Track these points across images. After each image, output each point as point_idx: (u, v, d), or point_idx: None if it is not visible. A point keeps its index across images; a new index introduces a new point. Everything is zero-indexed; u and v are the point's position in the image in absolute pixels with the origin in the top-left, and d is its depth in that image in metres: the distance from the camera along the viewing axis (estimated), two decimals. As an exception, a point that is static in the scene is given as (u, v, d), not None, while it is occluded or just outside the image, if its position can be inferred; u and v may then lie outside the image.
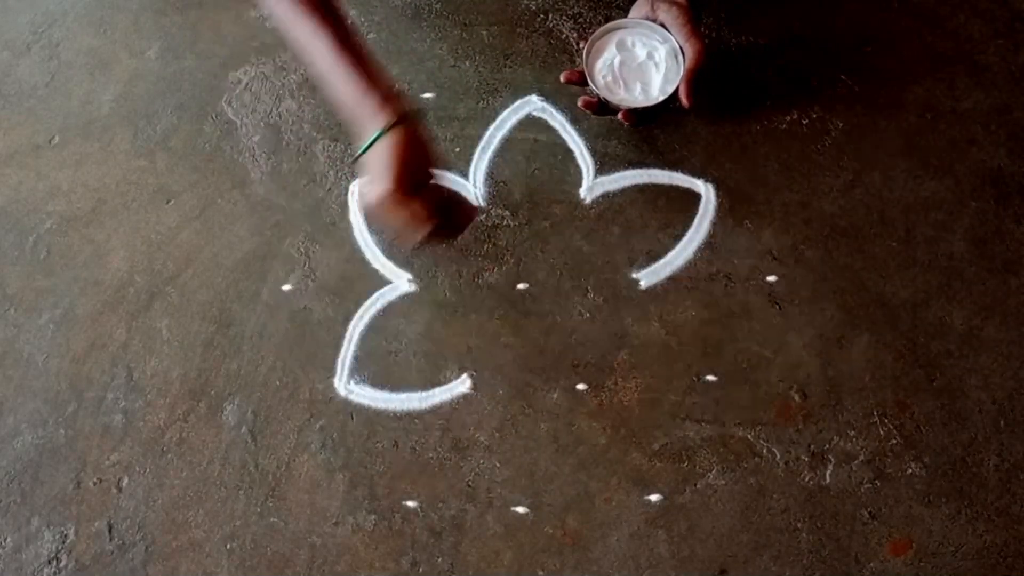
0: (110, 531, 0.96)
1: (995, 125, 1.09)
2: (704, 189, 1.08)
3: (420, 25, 1.20)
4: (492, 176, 1.10)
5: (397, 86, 0.88)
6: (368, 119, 0.86)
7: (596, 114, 1.02)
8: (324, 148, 1.13)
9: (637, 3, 1.02)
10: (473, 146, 1.12)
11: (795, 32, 1.16)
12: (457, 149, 1.12)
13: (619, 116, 1.01)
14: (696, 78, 0.98)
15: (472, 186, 1.10)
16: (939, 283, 1.02)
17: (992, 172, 1.07)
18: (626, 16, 1.03)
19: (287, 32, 0.88)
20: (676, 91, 0.98)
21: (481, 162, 1.11)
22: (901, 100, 1.11)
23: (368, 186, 0.86)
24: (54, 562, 0.95)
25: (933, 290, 1.01)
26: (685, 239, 1.05)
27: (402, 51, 1.18)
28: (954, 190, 1.06)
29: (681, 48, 0.99)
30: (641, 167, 1.09)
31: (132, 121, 1.17)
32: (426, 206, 0.86)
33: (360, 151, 0.86)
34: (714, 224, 1.06)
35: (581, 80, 1.01)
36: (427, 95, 1.15)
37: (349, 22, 0.88)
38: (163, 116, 1.17)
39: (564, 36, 1.18)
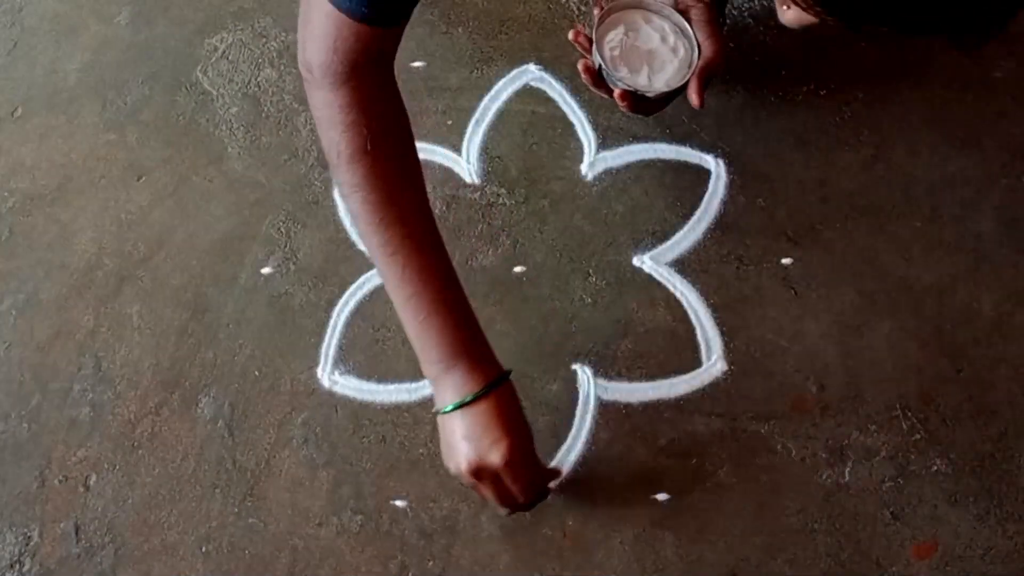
0: (77, 532, 0.92)
1: (1026, 96, 1.04)
2: (714, 165, 1.03)
3: (409, -12, 1.14)
4: (487, 151, 1.05)
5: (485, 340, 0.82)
6: (462, 375, 0.78)
7: (592, 86, 0.95)
8: (306, 121, 1.08)
9: None
10: (466, 119, 1.07)
11: (812, -4, 1.10)
12: (449, 122, 1.07)
13: (615, 94, 0.93)
14: (708, 78, 0.92)
15: (465, 161, 1.05)
16: (966, 266, 0.97)
17: (1023, 146, 1.02)
18: None
19: (378, 264, 0.79)
20: (682, 87, 0.92)
21: (475, 136, 1.06)
22: (926, 69, 1.07)
23: (468, 453, 0.78)
24: (17, 566, 0.91)
25: (960, 273, 0.97)
26: (694, 219, 1.01)
27: (390, 16, 1.12)
28: (982, 166, 1.02)
29: (699, 44, 0.93)
30: (647, 141, 1.05)
31: (100, 92, 1.12)
32: (528, 486, 0.81)
33: (448, 408, 0.78)
34: (725, 203, 1.01)
35: (588, 44, 0.94)
36: (416, 64, 1.10)
37: (449, 262, 0.80)
38: (134, 87, 1.12)
39: (564, 0, 1.12)
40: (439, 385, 0.80)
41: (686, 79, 0.91)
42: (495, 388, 0.78)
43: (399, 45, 0.75)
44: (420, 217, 0.79)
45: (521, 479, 0.79)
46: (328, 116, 0.74)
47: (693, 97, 0.90)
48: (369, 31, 0.70)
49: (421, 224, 0.79)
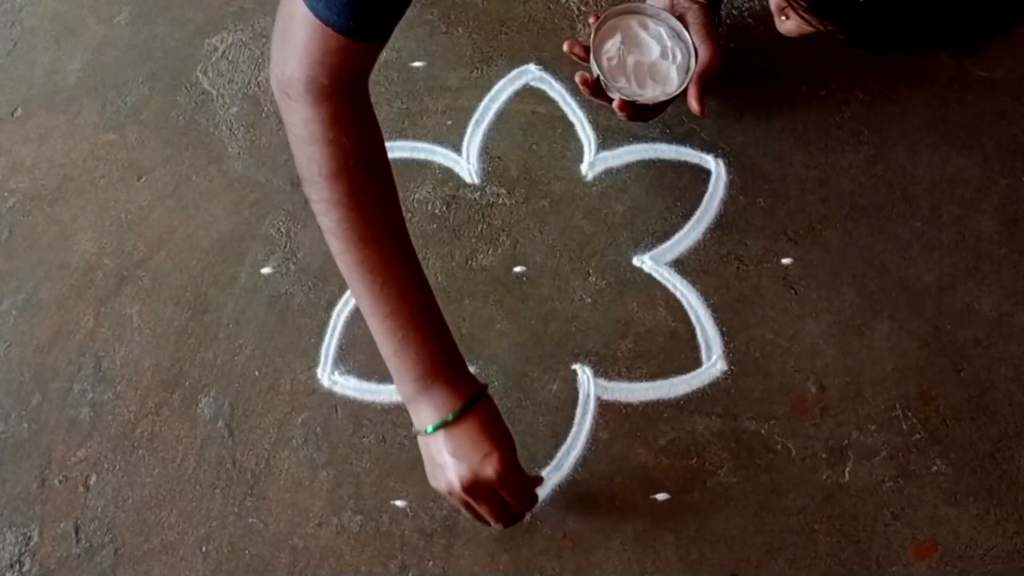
0: (77, 532, 0.91)
1: (1027, 96, 1.03)
2: (714, 165, 1.02)
3: (409, -12, 1.13)
4: (487, 151, 1.04)
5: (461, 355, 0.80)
6: (443, 394, 0.76)
7: (591, 95, 0.95)
8: (306, 121, 1.06)
9: None
10: (466, 119, 1.06)
11: (812, -4, 1.09)
12: (449, 122, 1.06)
13: (614, 104, 0.93)
14: (707, 83, 0.92)
15: (466, 161, 1.04)
16: (966, 266, 0.96)
17: (1023, 146, 1.01)
18: None
19: (354, 283, 0.77)
20: (681, 93, 0.92)
21: (475, 136, 1.05)
22: (926, 69, 1.05)
23: (459, 469, 0.76)
24: (16, 566, 0.90)
25: (960, 273, 0.96)
26: (694, 219, 1.00)
27: (390, 16, 1.11)
28: (983, 166, 1.00)
29: (696, 49, 0.93)
30: (647, 141, 1.04)
31: (100, 92, 1.11)
32: (524, 496, 0.81)
33: (430, 428, 0.77)
34: (725, 203, 1.00)
35: (584, 55, 0.94)
36: (417, 64, 1.09)
37: (426, 280, 0.78)
38: (134, 87, 1.11)
39: (564, 0, 1.11)
40: (417, 405, 0.78)
41: (684, 85, 0.91)
42: (477, 403, 0.77)
43: (375, 64, 0.75)
44: (399, 235, 0.77)
45: (517, 490, 0.79)
46: (309, 133, 0.72)
47: (693, 104, 0.91)
48: (354, 46, 0.69)
49: (400, 242, 0.77)
